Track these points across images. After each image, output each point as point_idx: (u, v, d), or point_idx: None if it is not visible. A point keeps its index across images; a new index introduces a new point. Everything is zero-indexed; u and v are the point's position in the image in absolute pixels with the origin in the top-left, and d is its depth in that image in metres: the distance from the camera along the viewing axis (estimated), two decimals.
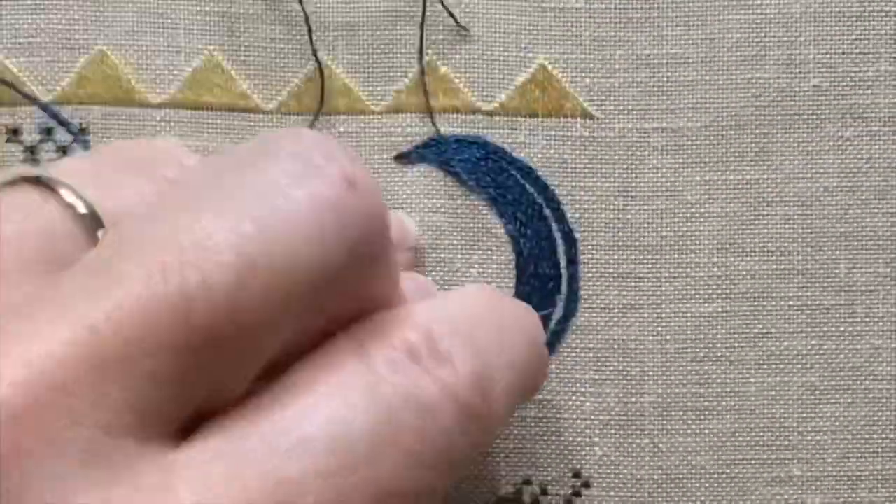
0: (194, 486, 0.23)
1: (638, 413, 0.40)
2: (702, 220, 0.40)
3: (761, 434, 0.40)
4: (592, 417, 0.40)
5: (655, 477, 0.40)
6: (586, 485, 0.40)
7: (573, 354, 0.40)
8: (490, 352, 0.28)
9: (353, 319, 0.27)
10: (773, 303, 0.40)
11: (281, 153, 0.26)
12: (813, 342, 0.40)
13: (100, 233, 0.26)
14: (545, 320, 0.39)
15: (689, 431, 0.40)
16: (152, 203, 0.25)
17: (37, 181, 0.26)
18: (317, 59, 0.39)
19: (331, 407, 0.25)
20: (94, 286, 0.23)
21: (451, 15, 0.39)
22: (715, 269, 0.40)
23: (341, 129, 0.40)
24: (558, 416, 0.40)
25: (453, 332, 0.27)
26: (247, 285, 0.23)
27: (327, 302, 0.25)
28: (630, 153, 0.40)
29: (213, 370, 0.24)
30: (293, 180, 0.25)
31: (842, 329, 0.40)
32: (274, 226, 0.24)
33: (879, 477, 0.40)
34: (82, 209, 0.26)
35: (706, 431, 0.40)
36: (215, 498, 0.23)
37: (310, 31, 0.39)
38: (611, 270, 0.40)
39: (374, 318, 0.27)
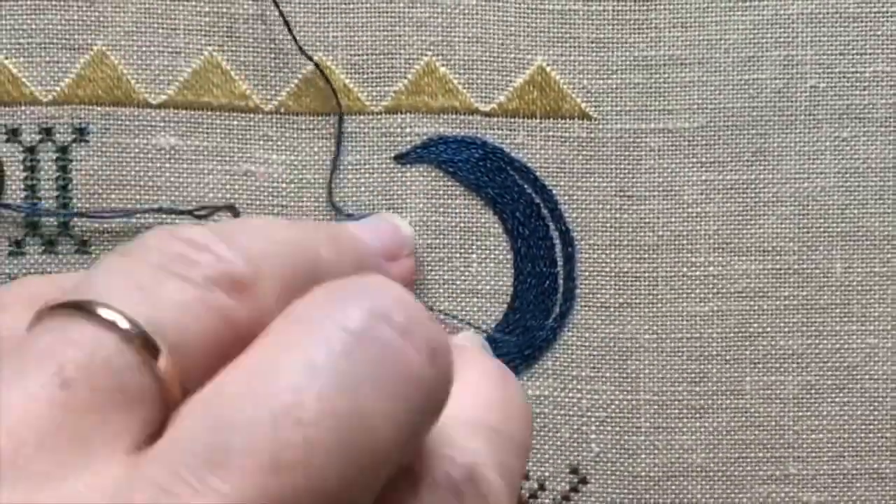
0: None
1: (634, 410, 0.40)
2: (699, 219, 0.40)
3: (757, 432, 0.40)
4: (589, 414, 0.40)
5: (652, 474, 0.40)
6: (583, 481, 0.40)
7: (570, 352, 0.40)
8: (514, 472, 0.29)
9: None
10: (769, 302, 0.40)
11: (359, 305, 0.25)
12: (809, 341, 0.40)
13: (161, 361, 0.25)
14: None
15: (685, 429, 0.40)
16: (232, 365, 0.24)
17: (75, 307, 0.25)
18: (314, 62, 0.40)
19: None
20: (197, 479, 0.23)
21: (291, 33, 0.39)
22: (711, 269, 0.40)
23: (342, 129, 0.40)
24: (555, 412, 0.40)
25: (489, 466, 0.28)
26: (338, 472, 0.23)
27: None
28: (627, 154, 0.40)
29: None
30: (378, 349, 0.24)
31: (837, 328, 0.40)
32: (359, 401, 0.24)
33: (875, 475, 0.40)
34: (133, 331, 0.25)
35: (702, 429, 0.40)
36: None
37: (291, 32, 0.39)
38: (608, 269, 0.40)
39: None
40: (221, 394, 0.24)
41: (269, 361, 0.24)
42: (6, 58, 0.39)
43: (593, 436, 0.40)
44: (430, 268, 0.40)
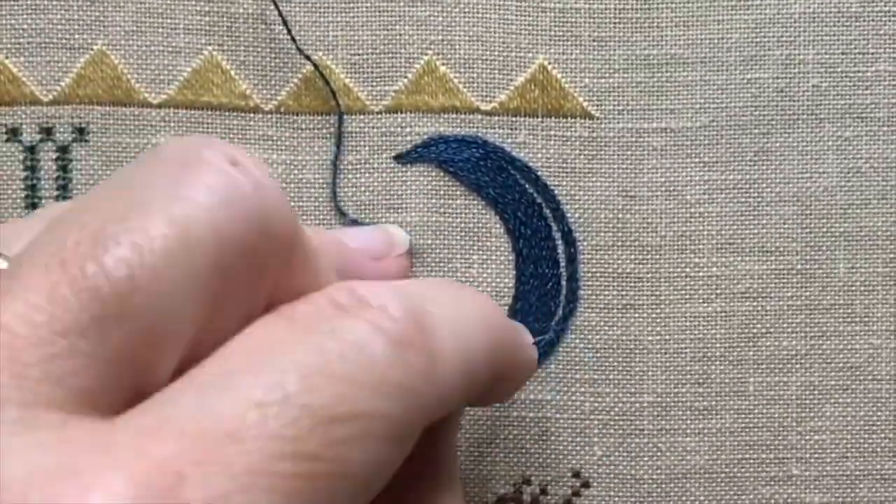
0: (128, 439, 0.24)
1: (637, 413, 0.40)
2: (701, 219, 0.40)
3: (760, 433, 0.40)
4: (592, 417, 0.40)
5: (655, 476, 0.40)
6: (586, 485, 0.40)
7: (573, 354, 0.40)
8: (426, 300, 0.29)
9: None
10: (772, 302, 0.40)
11: (167, 156, 0.27)
12: (812, 342, 0.40)
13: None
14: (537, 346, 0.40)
15: (688, 431, 0.40)
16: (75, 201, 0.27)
17: None
18: (312, 62, 0.40)
19: (260, 355, 0.26)
20: (6, 286, 0.24)
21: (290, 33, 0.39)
22: (714, 269, 0.40)
23: (341, 129, 0.40)
24: (558, 415, 0.40)
25: (383, 288, 0.28)
26: (145, 263, 0.24)
27: (233, 280, 0.26)
28: (630, 153, 0.40)
29: (128, 349, 0.25)
30: (187, 171, 0.26)
31: (840, 329, 0.40)
32: (169, 212, 0.25)
33: (878, 476, 0.40)
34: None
35: (705, 431, 0.40)
36: (147, 445, 0.24)
37: (290, 32, 0.39)
38: (610, 270, 0.40)
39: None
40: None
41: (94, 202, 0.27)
42: (6, 57, 0.39)
43: (596, 439, 0.40)
44: (430, 269, 0.40)
